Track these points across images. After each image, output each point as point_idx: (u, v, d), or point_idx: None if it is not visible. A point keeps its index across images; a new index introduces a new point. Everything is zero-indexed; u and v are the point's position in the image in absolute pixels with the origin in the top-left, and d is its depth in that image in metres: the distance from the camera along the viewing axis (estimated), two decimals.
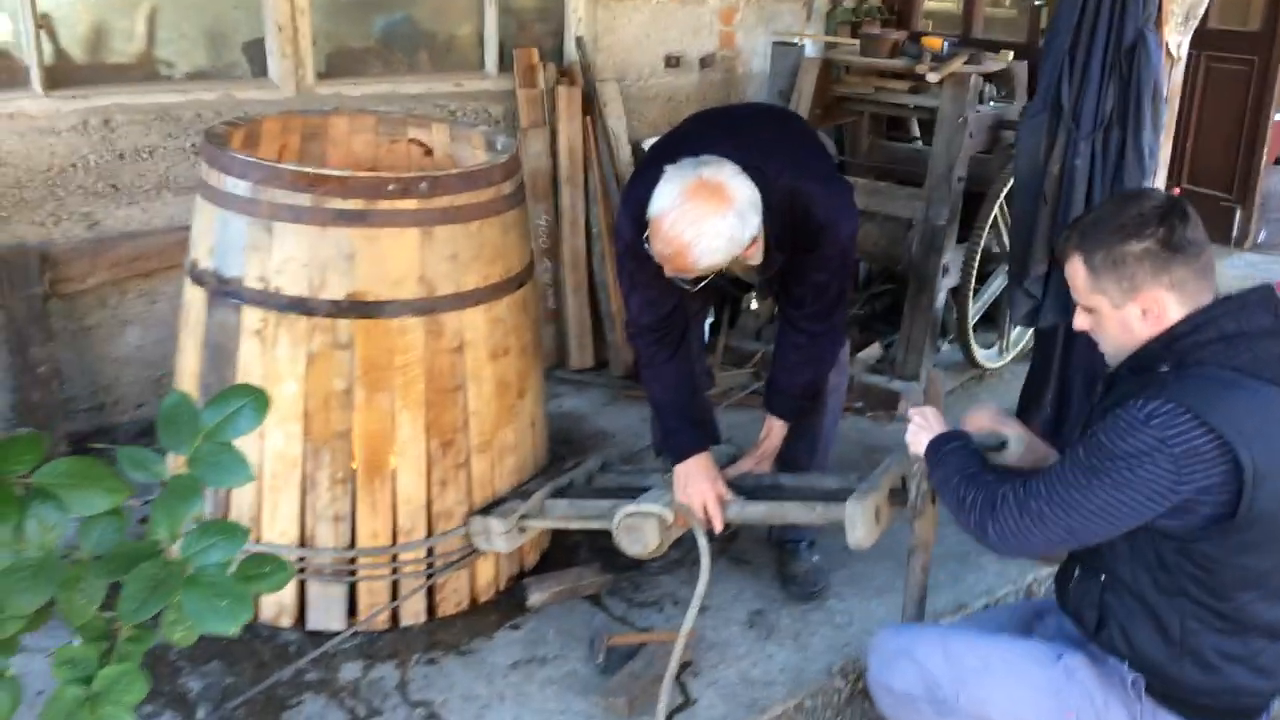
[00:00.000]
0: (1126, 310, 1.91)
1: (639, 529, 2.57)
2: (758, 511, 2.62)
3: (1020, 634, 2.22)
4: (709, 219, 2.27)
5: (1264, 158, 6.10)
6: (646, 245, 2.37)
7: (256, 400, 1.17)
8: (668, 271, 2.40)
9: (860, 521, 2.39)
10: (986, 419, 2.25)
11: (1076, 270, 1.96)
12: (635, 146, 4.38)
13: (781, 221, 2.44)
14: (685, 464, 2.64)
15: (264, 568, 1.16)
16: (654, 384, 2.73)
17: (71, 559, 1.10)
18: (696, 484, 2.61)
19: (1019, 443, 2.22)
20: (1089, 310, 1.98)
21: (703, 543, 2.53)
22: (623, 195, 2.64)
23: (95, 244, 3.49)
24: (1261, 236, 6.35)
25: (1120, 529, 1.84)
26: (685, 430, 2.68)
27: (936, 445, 2.13)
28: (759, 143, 2.49)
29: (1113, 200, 2.10)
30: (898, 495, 2.54)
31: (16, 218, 3.37)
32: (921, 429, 2.20)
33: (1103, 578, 2.00)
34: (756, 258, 2.47)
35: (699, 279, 2.41)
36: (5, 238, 3.35)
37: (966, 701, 2.05)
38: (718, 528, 2.62)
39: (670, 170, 2.33)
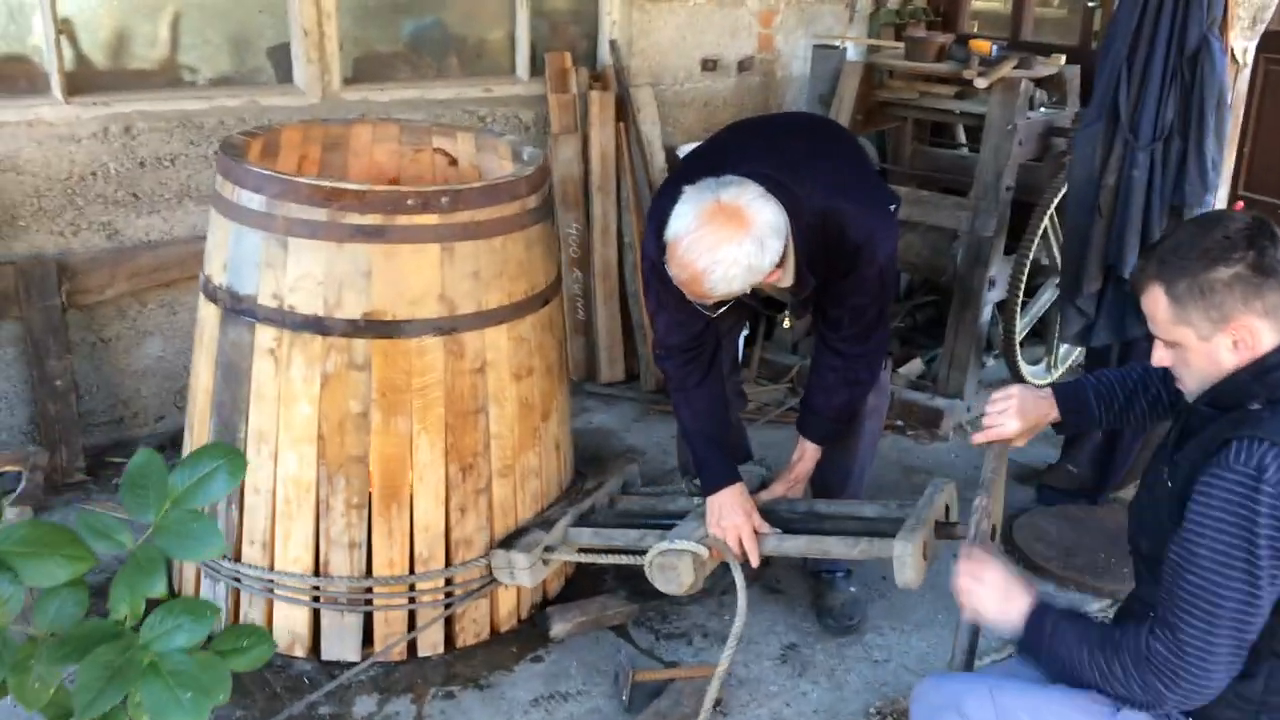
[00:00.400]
0: (1215, 342, 1.75)
1: (674, 567, 2.44)
2: (796, 545, 2.48)
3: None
4: (724, 246, 2.14)
5: None
6: (665, 264, 2.25)
7: (231, 462, 1.06)
8: (686, 296, 2.28)
9: (910, 562, 2.25)
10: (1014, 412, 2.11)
11: (1157, 301, 1.80)
12: (670, 153, 4.25)
13: (814, 242, 2.31)
14: (719, 495, 2.51)
15: (241, 641, 1.04)
16: (684, 410, 2.60)
17: (27, 635, 0.99)
18: (731, 516, 2.48)
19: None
20: (1171, 344, 1.82)
21: (739, 579, 2.40)
22: (649, 211, 2.51)
23: (115, 254, 3.41)
24: None
25: (1273, 602, 1.67)
26: (717, 460, 2.55)
27: (1038, 625, 1.85)
28: (794, 158, 2.35)
29: (1191, 223, 1.94)
30: (942, 527, 2.40)
31: (35, 227, 3.30)
32: (979, 586, 1.91)
33: None
34: (786, 280, 2.33)
35: (719, 304, 2.28)
36: (23, 248, 3.28)
37: None
38: (754, 563, 2.48)
39: (689, 191, 2.21)
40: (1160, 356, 1.85)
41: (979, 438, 2.16)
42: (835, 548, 2.43)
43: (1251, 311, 1.72)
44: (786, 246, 2.25)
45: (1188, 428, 1.86)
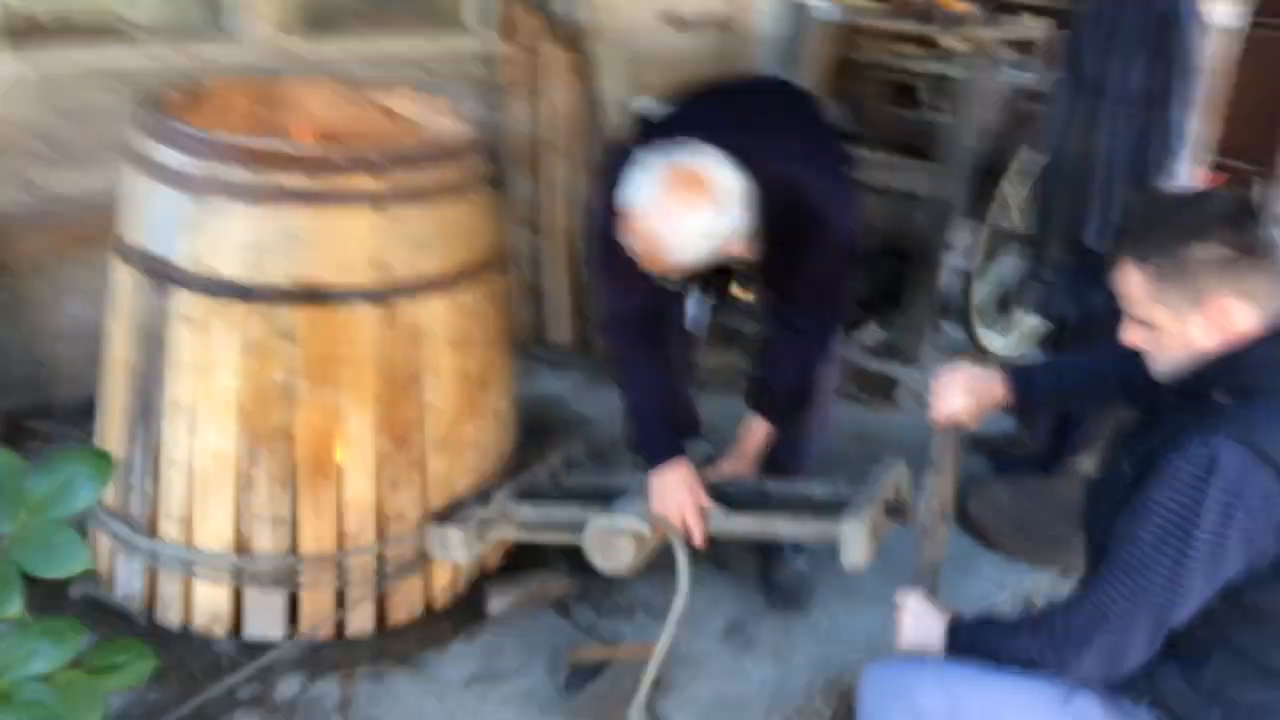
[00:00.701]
0: (1190, 322, 1.69)
1: (613, 545, 2.35)
2: (743, 525, 2.40)
3: None
4: (684, 214, 2.05)
5: None
6: (620, 237, 2.14)
7: (96, 466, 0.94)
8: (644, 265, 2.17)
9: (857, 542, 2.18)
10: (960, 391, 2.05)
11: (1131, 279, 1.73)
12: (627, 112, 4.10)
13: (772, 212, 2.20)
14: (662, 472, 2.42)
15: (116, 658, 0.93)
16: (628, 385, 2.50)
17: None
18: (675, 494, 2.39)
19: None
20: (1143, 323, 1.75)
21: (681, 559, 2.32)
22: (598, 173, 2.39)
23: (34, 210, 3.24)
24: None
25: (1211, 594, 1.66)
26: (662, 435, 2.45)
27: (955, 639, 1.89)
28: (755, 124, 2.25)
29: (1171, 200, 1.88)
30: (891, 507, 2.33)
31: None
32: (909, 619, 1.96)
33: None
34: (743, 249, 2.23)
35: (680, 276, 2.18)
36: None
37: None
38: (698, 542, 2.40)
39: (644, 158, 2.10)
40: (1131, 335, 1.78)
41: (933, 415, 2.08)
42: (783, 528, 2.35)
43: (1230, 292, 1.66)
44: (743, 215, 2.15)
45: (1150, 416, 1.80)
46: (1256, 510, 1.58)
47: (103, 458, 0.98)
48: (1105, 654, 1.69)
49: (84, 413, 3.33)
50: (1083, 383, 2.09)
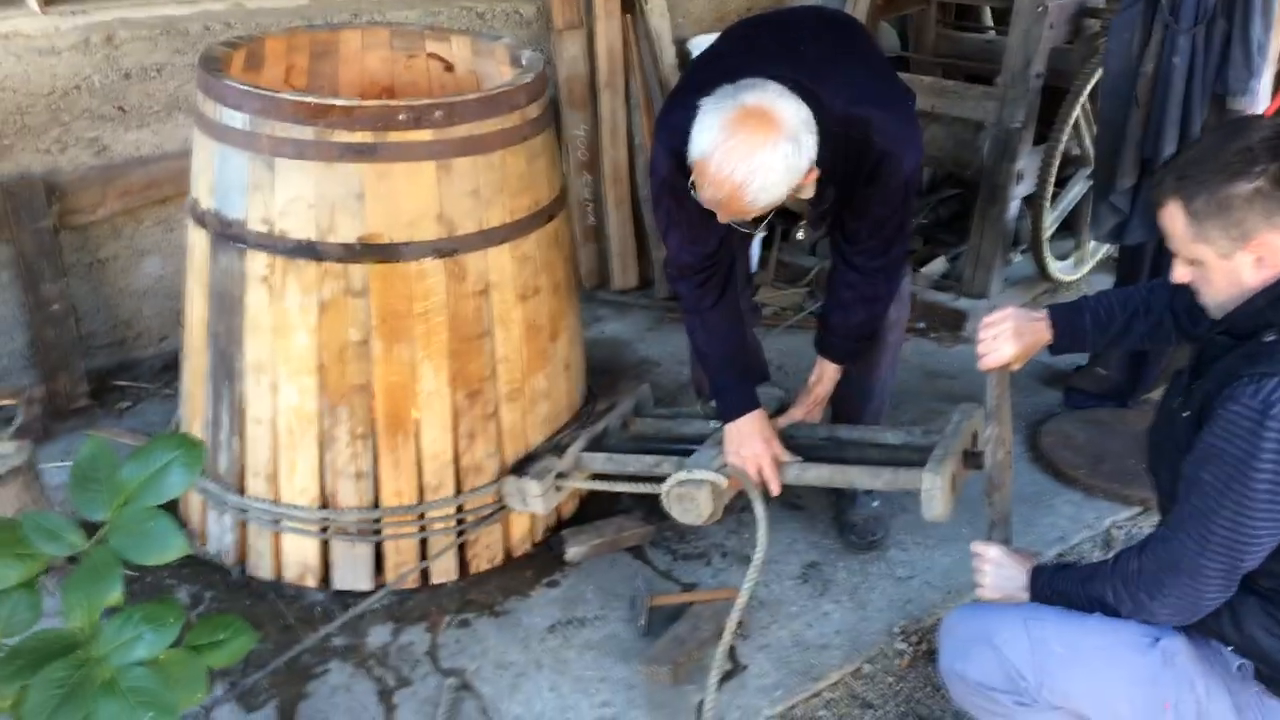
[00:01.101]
0: (1236, 260, 1.65)
1: (692, 498, 2.37)
2: (819, 475, 2.40)
3: None
4: (759, 152, 2.00)
5: None
6: (693, 190, 2.11)
7: (188, 453, 0.96)
8: (722, 217, 2.14)
9: (939, 495, 2.17)
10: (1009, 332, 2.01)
11: (1175, 218, 1.69)
12: (680, 47, 4.03)
13: (837, 151, 2.16)
14: (737, 423, 2.42)
15: (218, 634, 0.97)
16: (699, 333, 2.49)
17: None
18: (750, 445, 2.39)
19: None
20: (1191, 262, 1.71)
21: (759, 509, 2.33)
22: (657, 121, 2.36)
23: (105, 171, 3.28)
24: None
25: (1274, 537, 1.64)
26: (735, 385, 2.45)
27: (1036, 586, 1.91)
28: (812, 61, 2.19)
29: (1213, 134, 1.82)
30: (970, 457, 2.31)
31: (20, 146, 3.17)
32: (990, 568, 1.96)
33: None
34: (810, 190, 2.19)
35: (759, 219, 2.15)
36: (9, 167, 3.15)
37: (1050, 694, 1.84)
38: (775, 491, 2.40)
39: (707, 104, 2.06)
40: (1180, 274, 1.75)
41: (984, 364, 2.05)
42: (860, 478, 2.35)
43: (1275, 228, 1.62)
44: (817, 144, 2.10)
45: (1204, 356, 1.77)
46: None
47: (194, 445, 1.00)
48: (1179, 599, 1.70)
49: (169, 369, 3.42)
50: (1132, 321, 2.04)
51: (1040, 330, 2.04)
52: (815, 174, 2.13)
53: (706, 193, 2.07)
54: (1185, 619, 1.74)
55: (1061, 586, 1.86)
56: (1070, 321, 2.06)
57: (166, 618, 0.95)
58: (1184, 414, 1.74)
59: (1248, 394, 1.58)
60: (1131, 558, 1.76)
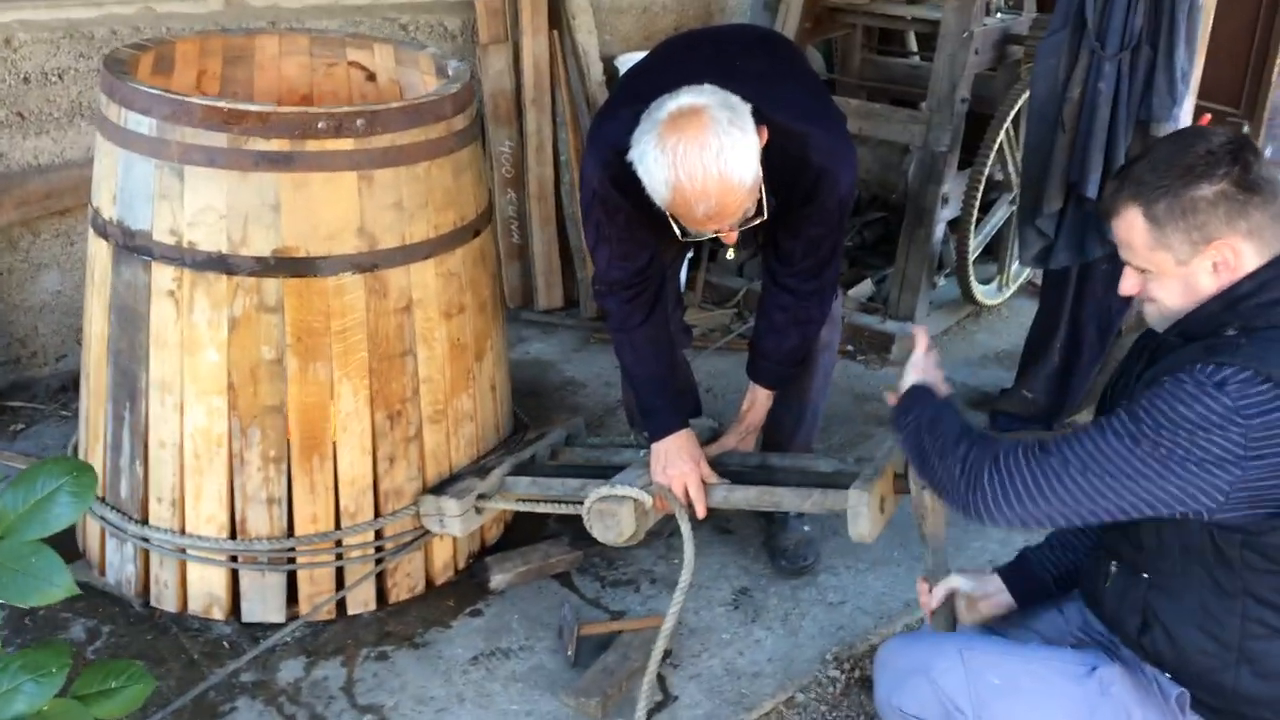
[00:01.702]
0: (1194, 266, 1.63)
1: (613, 514, 2.29)
2: (746, 496, 2.34)
3: (1048, 624, 1.98)
4: (707, 136, 1.92)
5: (1275, 70, 5.74)
6: (693, 234, 2.06)
7: (78, 479, 0.85)
8: (730, 234, 2.08)
9: (865, 513, 2.12)
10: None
11: (1133, 224, 1.66)
12: (608, 64, 3.98)
13: (775, 166, 2.11)
14: (664, 442, 2.35)
15: (110, 680, 0.86)
16: (627, 352, 2.42)
17: None
18: (677, 464, 2.33)
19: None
20: (1143, 271, 1.69)
21: (686, 530, 2.26)
22: (589, 135, 2.29)
23: (2, 179, 3.10)
24: (1268, 152, 6.02)
25: (1152, 509, 1.57)
26: (663, 404, 2.38)
27: (920, 394, 1.87)
28: (747, 77, 2.14)
29: (1168, 140, 1.80)
30: (900, 480, 2.27)
31: None
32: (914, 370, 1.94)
33: (1146, 576, 1.74)
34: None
35: (759, 205, 2.08)
36: None
37: None
38: (700, 513, 2.34)
39: (634, 153, 1.99)
40: (1130, 284, 1.72)
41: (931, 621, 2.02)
42: (787, 499, 2.30)
43: (1235, 231, 1.60)
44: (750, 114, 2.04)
45: (1154, 361, 1.74)
46: (1255, 431, 1.49)
47: (84, 470, 0.89)
48: (1015, 496, 1.61)
49: (66, 390, 3.24)
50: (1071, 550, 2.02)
51: (997, 601, 2.00)
52: (765, 130, 2.05)
53: (699, 211, 1.98)
54: (997, 518, 1.64)
55: (932, 414, 1.80)
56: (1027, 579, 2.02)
57: (49, 666, 0.84)
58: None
59: (1202, 371, 1.53)
60: (1010, 443, 1.65)
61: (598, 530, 2.33)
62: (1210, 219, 1.60)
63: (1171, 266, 1.65)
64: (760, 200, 2.07)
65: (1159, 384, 1.58)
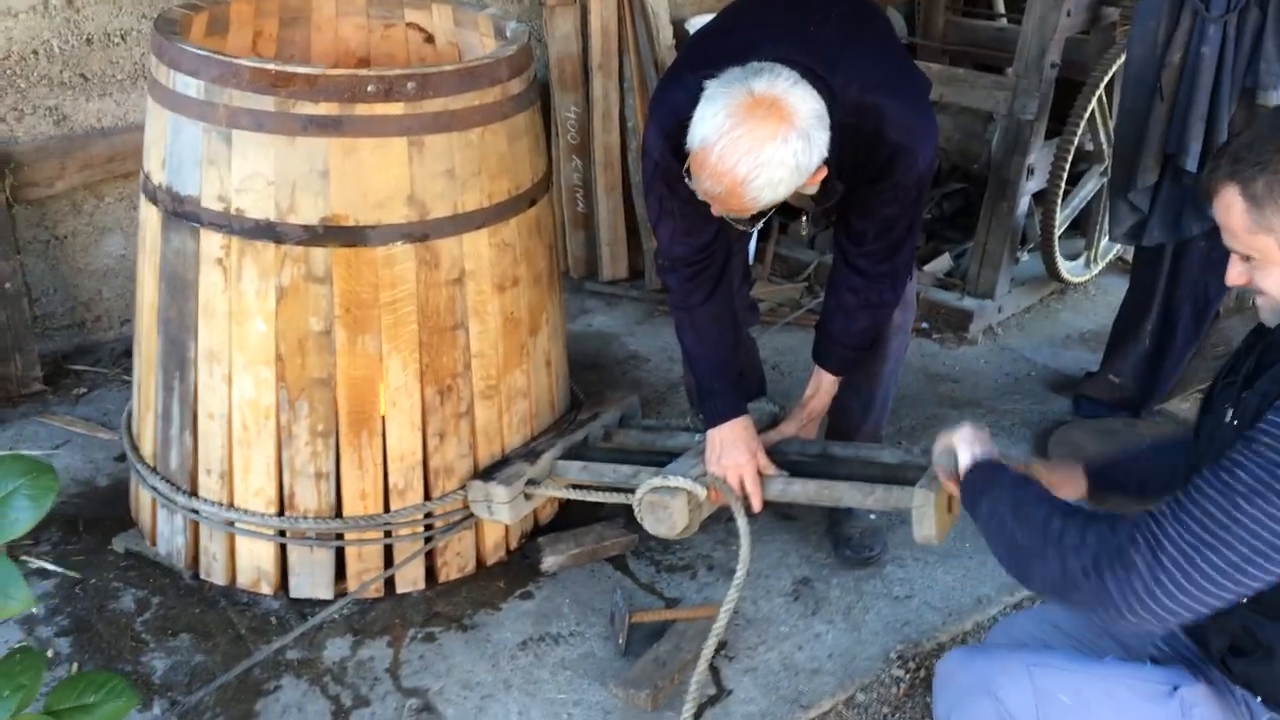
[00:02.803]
0: None
1: (665, 506, 2.19)
2: (805, 491, 2.22)
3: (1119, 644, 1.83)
4: (768, 145, 1.79)
5: None
6: (688, 179, 1.92)
7: (36, 483, 0.77)
8: (717, 211, 1.96)
9: (931, 514, 1.99)
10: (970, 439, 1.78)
11: (1232, 205, 1.51)
12: (678, 27, 3.84)
13: (846, 144, 1.97)
14: (720, 429, 2.24)
15: (89, 695, 0.78)
16: (687, 332, 2.30)
17: None
18: (733, 454, 2.22)
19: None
20: (1248, 259, 1.54)
21: (742, 524, 2.16)
22: (651, 100, 2.17)
23: (65, 142, 3.09)
24: None
25: None
26: (722, 389, 2.26)
27: (987, 471, 1.69)
28: (823, 42, 1.98)
29: (1270, 118, 1.64)
30: None
31: None
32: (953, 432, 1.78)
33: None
34: (814, 187, 2.00)
35: (758, 216, 1.97)
36: None
37: None
38: (756, 506, 2.23)
39: (713, 87, 1.85)
40: (1236, 274, 1.57)
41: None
42: (847, 495, 2.17)
43: None
44: (829, 141, 1.91)
45: (1262, 361, 1.59)
46: None
47: (45, 472, 0.82)
48: (1164, 608, 1.39)
49: (130, 354, 3.22)
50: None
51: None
52: (823, 173, 1.95)
53: (705, 184, 1.87)
54: (1160, 624, 1.42)
55: (1004, 491, 1.63)
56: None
57: (19, 678, 0.77)
58: (1233, 423, 1.56)
59: None
60: (1128, 526, 1.44)
61: (649, 523, 2.23)
62: None
63: (1275, 250, 1.50)
64: (761, 212, 1.96)
65: (1271, 416, 1.40)
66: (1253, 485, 1.36)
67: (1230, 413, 1.58)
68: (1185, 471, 1.74)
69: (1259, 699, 1.61)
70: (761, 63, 1.86)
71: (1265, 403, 1.48)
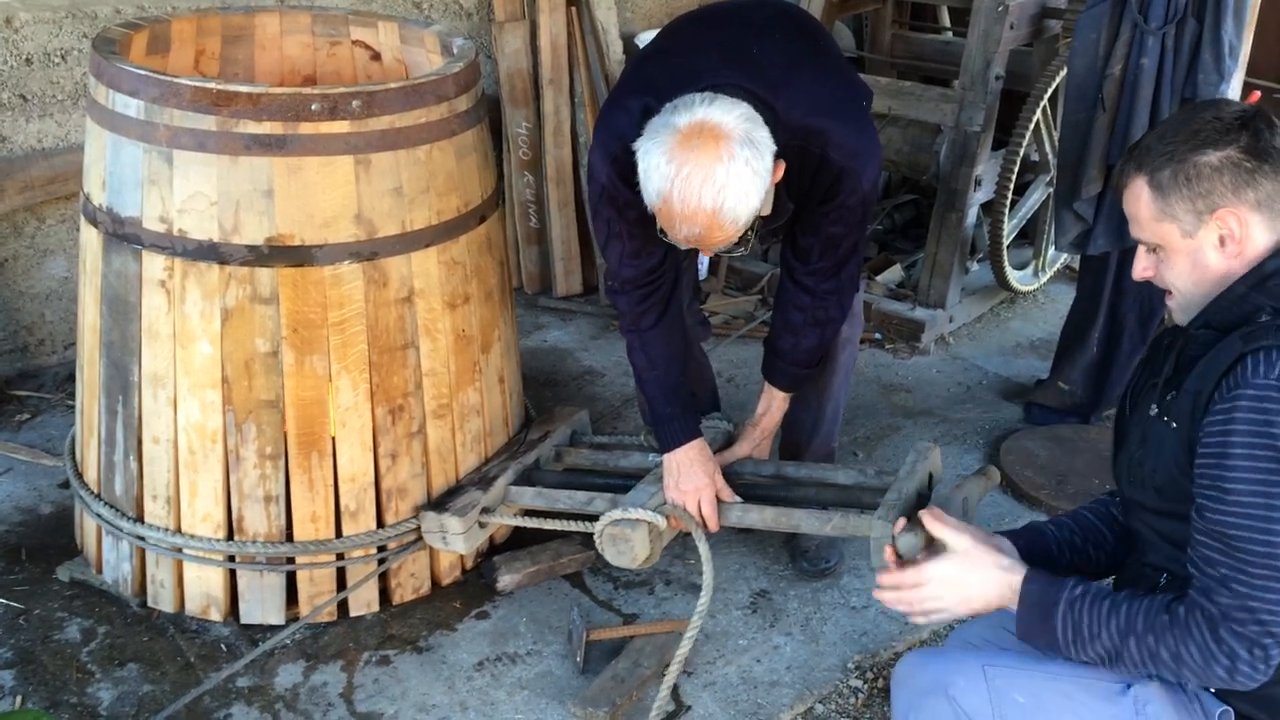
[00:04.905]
0: (1199, 238, 1.54)
1: (627, 539, 2.18)
2: (762, 518, 2.23)
3: None
4: (717, 168, 1.79)
5: None
6: (664, 237, 1.93)
7: None
8: (706, 250, 1.97)
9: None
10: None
11: (1139, 195, 1.58)
12: (628, 42, 3.85)
13: (793, 164, 1.98)
14: (676, 454, 2.24)
15: None
16: (639, 355, 2.29)
17: None
18: (690, 478, 2.22)
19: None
20: (1152, 249, 1.60)
21: (704, 549, 2.16)
22: (596, 126, 2.16)
23: (4, 164, 3.03)
24: None
25: None
26: (676, 413, 2.26)
27: (1041, 612, 1.62)
28: (767, 64, 2.00)
29: (1179, 112, 1.71)
30: (925, 500, 2.15)
31: None
32: (924, 589, 1.68)
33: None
34: (769, 203, 2.00)
35: (743, 238, 1.96)
36: None
37: None
38: (712, 530, 2.23)
39: (642, 143, 1.86)
40: (1142, 266, 1.63)
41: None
42: (805, 521, 2.18)
43: (1242, 201, 1.51)
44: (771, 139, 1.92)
45: (1184, 359, 1.61)
46: None
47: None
48: (1247, 652, 1.45)
49: (74, 379, 3.16)
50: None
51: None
52: (783, 167, 1.95)
53: (682, 231, 1.87)
54: (1266, 663, 1.46)
55: (1085, 623, 1.58)
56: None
57: None
58: (1170, 424, 1.58)
59: (1260, 373, 1.42)
60: (1200, 603, 1.48)
61: (610, 554, 2.22)
62: (1215, 186, 1.51)
63: (1177, 239, 1.56)
64: (748, 230, 1.95)
65: (1223, 413, 1.44)
66: (1253, 500, 1.41)
67: (1159, 411, 1.60)
68: (1115, 480, 1.77)
69: (1211, 692, 1.63)
70: (685, 96, 1.87)
71: (1199, 402, 1.51)
